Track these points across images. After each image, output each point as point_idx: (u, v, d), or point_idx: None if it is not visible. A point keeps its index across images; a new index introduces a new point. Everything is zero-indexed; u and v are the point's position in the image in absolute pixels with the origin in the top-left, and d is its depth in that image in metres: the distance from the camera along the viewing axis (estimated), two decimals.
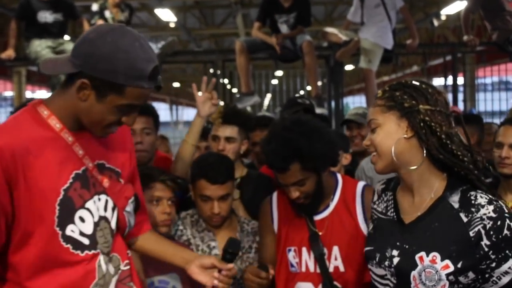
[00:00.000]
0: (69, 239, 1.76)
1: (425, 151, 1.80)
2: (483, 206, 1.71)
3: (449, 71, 7.67)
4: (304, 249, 2.41)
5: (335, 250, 2.37)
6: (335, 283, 2.35)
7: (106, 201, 1.87)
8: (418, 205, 1.83)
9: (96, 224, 1.82)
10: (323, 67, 7.46)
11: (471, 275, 1.70)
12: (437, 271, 1.71)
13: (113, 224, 1.88)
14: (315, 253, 2.37)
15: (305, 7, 6.02)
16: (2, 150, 1.65)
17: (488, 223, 1.68)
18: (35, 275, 1.73)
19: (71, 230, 1.76)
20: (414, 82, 1.85)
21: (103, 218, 1.85)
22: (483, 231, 1.68)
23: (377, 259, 1.85)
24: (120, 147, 1.96)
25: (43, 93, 15.10)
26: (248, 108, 8.46)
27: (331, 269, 2.36)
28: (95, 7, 6.90)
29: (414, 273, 1.74)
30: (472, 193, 1.76)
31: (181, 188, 2.69)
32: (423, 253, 1.74)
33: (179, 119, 38.25)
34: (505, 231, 1.68)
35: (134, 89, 1.68)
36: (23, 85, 12.92)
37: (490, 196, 1.74)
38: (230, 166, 2.67)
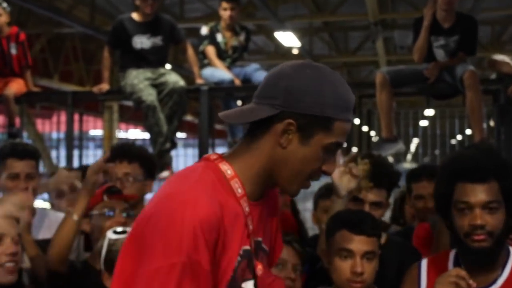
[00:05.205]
0: None
1: None
2: None
3: None
4: None
5: None
6: None
7: None
8: None
9: None
10: (489, 105, 7.27)
11: None
12: None
13: None
14: None
15: (471, 29, 5.94)
16: (211, 223, 1.69)
17: None
18: None
19: None
20: None
21: None
22: None
23: None
24: (270, 221, 2.01)
25: (137, 133, 15.79)
26: (390, 158, 8.40)
27: None
28: (204, 30, 7.08)
29: None
30: None
31: (309, 259, 2.70)
32: None
33: None
34: None
35: (341, 124, 1.80)
36: (115, 122, 13.62)
37: None
38: (377, 221, 2.74)
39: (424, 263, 2.58)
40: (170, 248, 1.65)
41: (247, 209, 1.82)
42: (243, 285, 1.82)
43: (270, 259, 2.03)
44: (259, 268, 1.87)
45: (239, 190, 1.82)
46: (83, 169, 4.12)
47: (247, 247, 1.83)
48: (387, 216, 5.35)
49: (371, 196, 2.99)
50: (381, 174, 3.02)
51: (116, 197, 3.23)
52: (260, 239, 1.91)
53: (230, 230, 1.75)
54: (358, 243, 2.57)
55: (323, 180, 2.17)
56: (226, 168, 1.83)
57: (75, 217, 3.02)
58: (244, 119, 1.82)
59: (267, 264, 1.98)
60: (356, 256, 2.56)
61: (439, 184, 2.54)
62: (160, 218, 1.69)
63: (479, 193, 2.34)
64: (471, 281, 2.28)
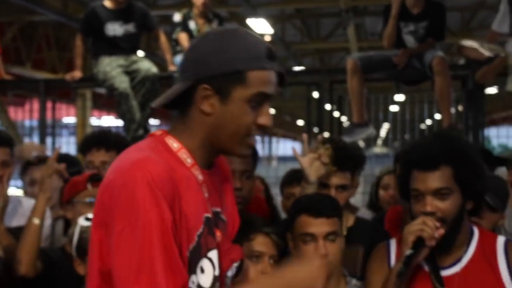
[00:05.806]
0: None
1: None
2: None
3: None
4: None
5: None
6: None
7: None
8: None
9: (215, 279, 1.88)
10: (458, 91, 7.37)
11: None
12: None
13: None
14: None
15: (440, 15, 5.99)
16: (163, 179, 1.70)
17: None
18: None
19: (192, 281, 1.80)
20: None
21: (215, 278, 1.89)
22: None
23: None
24: (225, 192, 2.05)
25: (110, 120, 15.74)
26: (361, 143, 8.47)
27: None
28: (177, 17, 7.09)
29: None
30: None
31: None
32: None
33: (272, 153, 38.33)
34: None
35: (256, 73, 1.81)
36: (88, 110, 13.57)
37: None
38: (336, 201, 2.75)
39: (393, 242, 2.63)
40: (127, 208, 1.68)
41: (200, 177, 1.85)
42: (209, 254, 1.85)
43: (228, 232, 2.04)
44: (218, 235, 1.91)
45: (189, 160, 1.84)
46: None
47: (208, 215, 1.85)
48: (358, 199, 5.37)
49: (336, 180, 3.04)
50: (343, 158, 3.05)
51: (99, 184, 3.22)
52: (219, 209, 1.94)
53: (184, 193, 1.77)
54: (318, 226, 2.59)
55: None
56: (172, 142, 1.86)
57: (36, 221, 3.03)
58: (166, 99, 1.86)
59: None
60: (318, 238, 2.57)
61: (399, 171, 2.62)
62: (114, 184, 1.73)
63: (429, 181, 2.39)
64: (438, 223, 2.35)
